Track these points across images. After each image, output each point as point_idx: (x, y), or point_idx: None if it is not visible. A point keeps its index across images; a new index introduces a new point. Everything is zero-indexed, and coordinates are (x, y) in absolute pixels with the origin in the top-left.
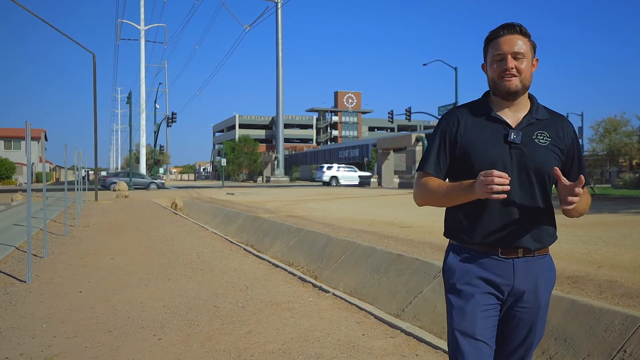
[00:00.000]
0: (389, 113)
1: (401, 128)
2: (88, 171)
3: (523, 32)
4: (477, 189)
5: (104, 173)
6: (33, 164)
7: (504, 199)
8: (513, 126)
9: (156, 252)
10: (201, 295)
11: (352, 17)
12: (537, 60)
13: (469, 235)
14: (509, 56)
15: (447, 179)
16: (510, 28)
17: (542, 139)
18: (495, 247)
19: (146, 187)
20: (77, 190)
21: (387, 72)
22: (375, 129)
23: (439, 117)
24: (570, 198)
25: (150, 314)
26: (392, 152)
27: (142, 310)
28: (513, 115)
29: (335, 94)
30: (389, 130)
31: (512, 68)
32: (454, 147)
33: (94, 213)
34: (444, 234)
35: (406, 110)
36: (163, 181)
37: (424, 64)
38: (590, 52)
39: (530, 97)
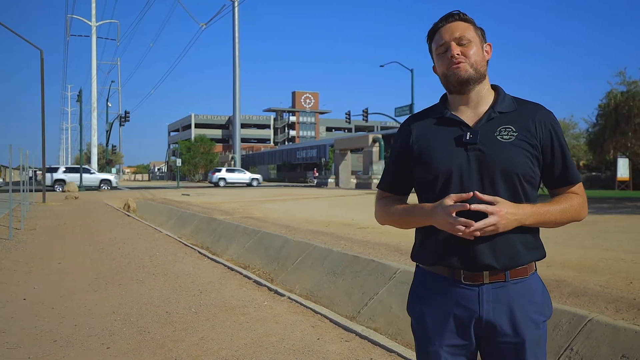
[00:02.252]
0: (346, 114)
1: (358, 129)
2: (35, 171)
3: (463, 18)
4: (437, 219)
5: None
6: None
7: (467, 210)
8: (471, 124)
9: (107, 255)
10: (153, 300)
11: (310, 17)
12: (489, 45)
13: (427, 255)
14: (453, 43)
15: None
16: (449, 17)
17: (507, 135)
18: (457, 269)
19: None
20: (23, 191)
21: (345, 72)
22: (333, 130)
23: (395, 118)
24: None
25: (99, 321)
26: (349, 152)
27: (91, 317)
28: (472, 112)
29: (293, 94)
30: (346, 130)
31: (457, 54)
32: (408, 159)
33: (42, 215)
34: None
35: (363, 111)
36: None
37: (381, 66)
38: (541, 54)
39: (495, 88)
